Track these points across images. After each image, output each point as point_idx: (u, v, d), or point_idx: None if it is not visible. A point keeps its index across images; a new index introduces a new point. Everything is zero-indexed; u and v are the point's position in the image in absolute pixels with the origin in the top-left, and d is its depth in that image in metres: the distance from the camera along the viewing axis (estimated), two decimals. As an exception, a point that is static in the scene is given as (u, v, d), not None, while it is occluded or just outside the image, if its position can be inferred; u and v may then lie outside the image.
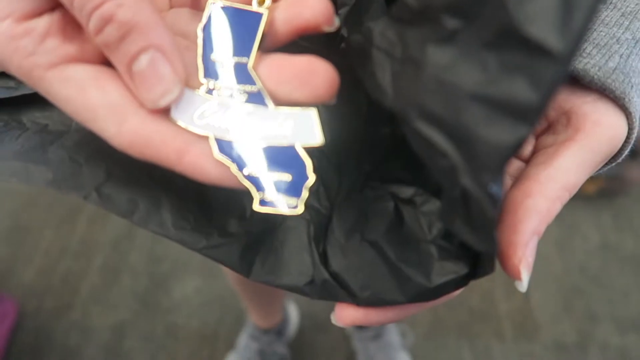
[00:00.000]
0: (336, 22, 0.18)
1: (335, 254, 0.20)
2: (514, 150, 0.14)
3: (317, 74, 0.17)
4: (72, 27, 0.17)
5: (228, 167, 0.16)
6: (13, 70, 0.17)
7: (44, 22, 0.17)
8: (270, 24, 0.17)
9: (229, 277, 0.82)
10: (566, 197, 0.20)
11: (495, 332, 1.05)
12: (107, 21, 0.15)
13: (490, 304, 1.08)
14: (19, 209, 1.32)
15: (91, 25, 0.16)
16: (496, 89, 0.14)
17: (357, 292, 0.19)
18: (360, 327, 0.99)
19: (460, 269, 0.19)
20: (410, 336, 1.04)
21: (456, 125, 0.15)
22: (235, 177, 0.16)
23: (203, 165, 0.16)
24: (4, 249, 1.22)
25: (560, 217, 0.75)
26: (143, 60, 0.16)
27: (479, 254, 0.18)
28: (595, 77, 0.21)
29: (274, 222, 0.21)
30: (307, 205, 0.21)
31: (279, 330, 0.99)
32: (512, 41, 0.14)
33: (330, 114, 0.22)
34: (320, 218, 0.21)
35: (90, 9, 0.15)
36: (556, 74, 0.13)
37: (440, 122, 0.15)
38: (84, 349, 1.05)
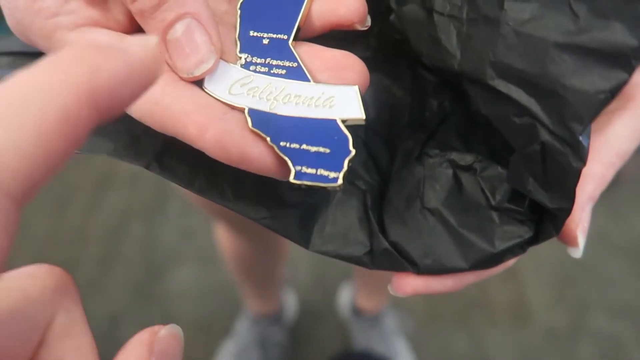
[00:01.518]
0: (368, 21, 0.18)
1: (393, 223, 0.20)
2: (612, 96, 0.14)
3: (352, 69, 0.17)
4: None
5: (260, 141, 0.16)
6: (34, 33, 0.16)
7: None
8: (305, 13, 0.18)
9: (228, 261, 0.82)
10: (619, 163, 0.20)
11: (490, 319, 1.07)
12: None
13: (485, 292, 1.10)
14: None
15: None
16: (588, 37, 0.14)
17: (418, 260, 0.19)
18: (358, 314, 1.00)
19: (525, 232, 0.19)
20: (409, 323, 1.05)
21: (540, 78, 0.15)
22: (269, 155, 0.16)
23: (226, 144, 0.15)
24: (-5, 238, 1.20)
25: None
26: (179, 29, 0.16)
27: (543, 217, 0.19)
28: None
29: (330, 193, 0.21)
30: (361, 176, 0.21)
31: (277, 317, 0.99)
32: None
33: (372, 87, 0.22)
34: (373, 189, 0.21)
35: None
36: None
37: (520, 77, 0.15)
38: (79, 338, 1.04)
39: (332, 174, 0.16)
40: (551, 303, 1.09)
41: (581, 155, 0.15)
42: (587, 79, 0.14)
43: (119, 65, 0.10)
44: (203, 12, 0.16)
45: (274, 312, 0.98)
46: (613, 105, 0.22)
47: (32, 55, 0.22)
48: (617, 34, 0.14)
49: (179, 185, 0.19)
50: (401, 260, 0.20)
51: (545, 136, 0.15)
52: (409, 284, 0.20)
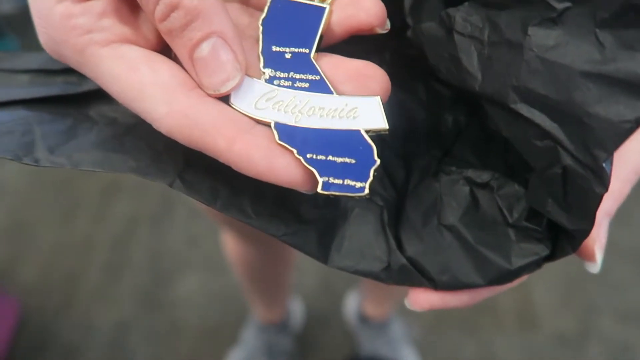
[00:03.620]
0: (388, 24, 0.18)
1: (410, 239, 0.20)
2: (637, 125, 0.14)
3: (374, 78, 0.17)
4: (127, 9, 0.18)
5: (287, 154, 0.16)
6: (67, 49, 0.17)
7: (101, 3, 0.17)
8: (325, 26, 0.18)
9: (236, 269, 0.82)
10: (635, 179, 0.21)
11: (497, 324, 1.07)
12: (173, 8, 0.16)
13: (492, 298, 1.10)
14: (18, 206, 1.30)
15: (157, 11, 0.16)
16: (614, 67, 0.15)
17: (435, 276, 0.20)
18: (365, 321, 1.00)
19: (542, 250, 0.19)
20: (416, 329, 1.05)
21: (565, 104, 0.15)
22: (296, 166, 0.16)
23: (253, 157, 0.16)
24: (4, 248, 1.21)
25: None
26: (205, 48, 0.16)
27: (558, 235, 0.19)
28: None
29: (346, 208, 0.21)
30: (377, 192, 0.21)
31: (283, 325, 0.99)
32: (635, 18, 0.14)
33: (387, 101, 0.22)
34: (390, 205, 0.21)
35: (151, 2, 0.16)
36: None
37: (544, 103, 0.16)
38: (87, 347, 1.04)
39: (359, 184, 0.16)
40: (558, 308, 1.09)
41: (604, 181, 0.16)
42: (613, 108, 0.15)
43: None
44: (228, 31, 0.16)
45: (281, 319, 0.98)
46: None
47: (50, 72, 0.22)
48: (595, 105, 0.14)
49: (202, 202, 0.19)
50: (418, 276, 0.20)
51: (567, 160, 0.16)
52: (426, 299, 0.20)
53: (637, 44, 0.14)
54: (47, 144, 0.19)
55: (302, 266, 1.10)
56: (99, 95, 0.21)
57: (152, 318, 1.09)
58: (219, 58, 0.16)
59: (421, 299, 0.20)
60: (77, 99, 0.21)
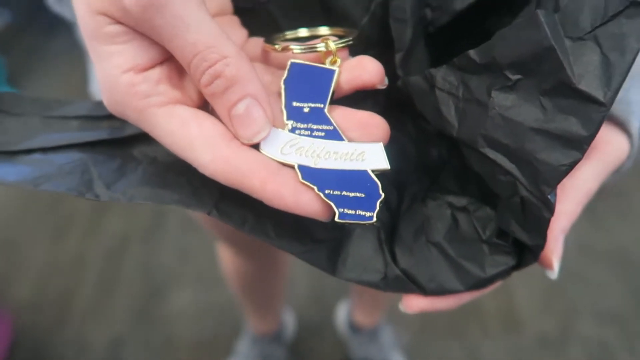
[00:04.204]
0: (386, 80, 0.22)
1: (403, 254, 0.24)
2: (570, 169, 0.18)
3: (377, 127, 0.21)
4: (176, 76, 0.21)
5: (308, 191, 0.20)
6: (128, 109, 0.21)
7: (157, 72, 0.21)
8: (335, 85, 0.22)
9: (231, 281, 0.85)
10: (585, 201, 0.25)
11: (483, 328, 1.11)
12: (216, 77, 0.19)
13: (477, 303, 1.14)
14: (9, 224, 1.31)
15: (203, 80, 0.20)
16: (554, 125, 0.19)
17: (424, 284, 0.23)
18: (355, 330, 1.03)
19: (510, 261, 0.23)
20: (405, 335, 1.08)
21: (519, 151, 0.19)
22: (317, 202, 0.20)
23: (283, 194, 0.19)
24: (-4, 266, 1.21)
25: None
26: (241, 107, 0.20)
27: (523, 249, 0.23)
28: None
29: (350, 229, 0.24)
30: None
31: (277, 335, 1.02)
32: (566, 91, 0.19)
33: None
34: (385, 226, 0.25)
35: (204, 67, 0.19)
36: (601, 116, 0.18)
37: (505, 149, 0.20)
38: (82, 363, 1.05)
39: (368, 214, 0.20)
40: (540, 311, 1.13)
41: (550, 209, 0.20)
42: (553, 156, 0.19)
43: None
44: (260, 93, 0.20)
45: (275, 330, 1.01)
46: None
47: (96, 118, 0.25)
48: (573, 126, 0.18)
49: (234, 227, 0.22)
50: (410, 284, 0.24)
51: (523, 192, 0.20)
52: (417, 303, 0.24)
53: (569, 109, 0.18)
54: (104, 182, 0.22)
55: (294, 278, 1.13)
56: (140, 138, 0.24)
57: (146, 333, 1.10)
58: (252, 115, 0.20)
59: (413, 303, 0.24)
60: (122, 142, 0.24)
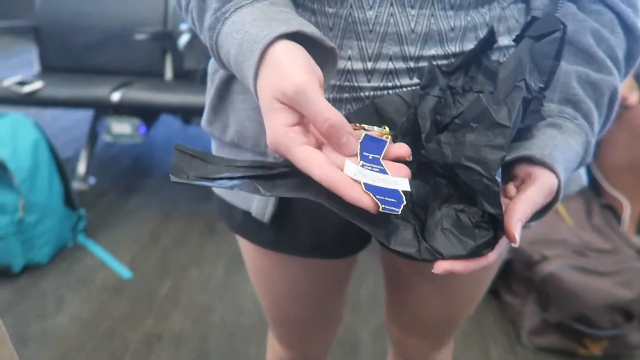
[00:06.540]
0: (410, 157, 0.41)
1: (430, 237, 0.41)
2: (503, 161, 0.39)
3: (405, 171, 0.39)
4: (305, 130, 0.38)
5: (368, 195, 0.35)
6: (282, 148, 0.36)
7: (298, 127, 0.37)
8: (388, 147, 0.40)
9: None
10: (533, 207, 0.41)
11: None
12: (332, 127, 0.36)
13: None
14: (65, 353, 1.42)
15: (325, 131, 0.36)
16: (493, 143, 0.40)
17: (443, 253, 0.40)
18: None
19: (489, 234, 0.40)
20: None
21: (480, 158, 0.40)
22: (371, 201, 0.35)
23: (354, 196, 0.34)
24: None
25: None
26: (345, 139, 0.37)
27: (497, 228, 0.40)
28: (539, 158, 0.44)
29: (398, 225, 0.42)
30: (411, 220, 0.43)
31: None
32: (495, 126, 0.40)
33: (412, 182, 0.45)
34: (418, 224, 0.43)
35: (327, 127, 0.38)
36: (509, 132, 0.39)
37: (474, 159, 0.40)
38: None
39: (397, 209, 0.36)
40: None
41: (497, 184, 0.38)
42: (494, 156, 0.38)
43: None
44: (350, 132, 0.37)
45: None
46: (527, 184, 0.43)
47: (253, 167, 0.42)
48: (499, 140, 0.39)
49: (340, 213, 0.38)
50: (435, 253, 0.40)
51: (485, 181, 0.39)
52: (442, 265, 0.39)
53: (497, 132, 0.40)
54: (265, 192, 0.39)
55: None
56: (279, 175, 0.41)
57: None
58: (350, 143, 0.39)
59: (439, 266, 0.40)
60: (270, 177, 0.41)
